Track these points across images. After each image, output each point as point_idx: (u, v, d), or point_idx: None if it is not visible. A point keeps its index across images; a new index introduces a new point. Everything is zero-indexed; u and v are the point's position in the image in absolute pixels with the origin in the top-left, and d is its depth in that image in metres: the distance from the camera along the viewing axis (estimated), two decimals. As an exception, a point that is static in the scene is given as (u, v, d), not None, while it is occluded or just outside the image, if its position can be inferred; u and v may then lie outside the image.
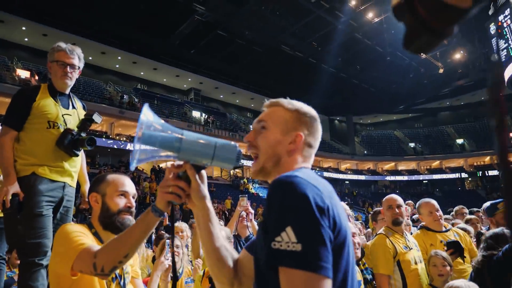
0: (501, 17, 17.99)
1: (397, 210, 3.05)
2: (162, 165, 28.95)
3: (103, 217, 1.67)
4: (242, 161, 1.18)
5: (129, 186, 1.73)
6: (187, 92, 35.10)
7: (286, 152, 1.13)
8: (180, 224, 4.11)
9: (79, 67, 2.71)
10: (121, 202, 1.68)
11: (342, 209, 1.02)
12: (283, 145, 1.13)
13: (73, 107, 2.73)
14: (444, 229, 3.29)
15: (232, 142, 1.14)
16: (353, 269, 1.00)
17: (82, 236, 1.51)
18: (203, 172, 1.18)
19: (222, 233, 1.24)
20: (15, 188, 2.38)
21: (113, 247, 1.29)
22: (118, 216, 1.65)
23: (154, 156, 1.10)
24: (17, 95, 2.59)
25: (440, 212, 3.32)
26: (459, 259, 2.99)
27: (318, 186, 0.96)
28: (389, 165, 42.54)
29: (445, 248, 2.97)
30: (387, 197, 3.20)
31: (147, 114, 1.06)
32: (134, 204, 1.73)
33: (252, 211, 3.52)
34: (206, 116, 32.67)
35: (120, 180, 1.73)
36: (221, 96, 36.90)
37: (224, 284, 1.21)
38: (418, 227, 3.50)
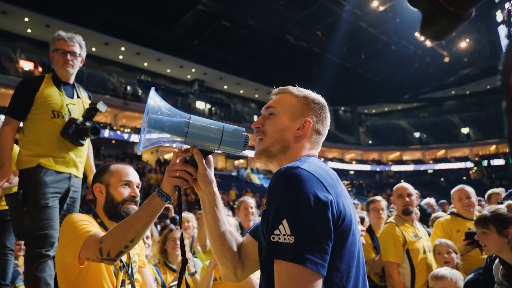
0: (507, 4, 17.66)
1: (407, 199, 3.04)
2: (167, 156, 29.06)
3: (108, 207, 1.68)
4: (245, 151, 1.17)
5: (133, 175, 1.74)
6: (191, 83, 34.98)
7: (294, 138, 1.14)
8: (186, 215, 4.13)
9: (80, 55, 2.68)
10: (125, 191, 1.68)
11: (347, 198, 1.02)
12: (291, 130, 1.14)
13: (78, 97, 2.71)
14: (475, 217, 3.27)
15: (240, 127, 1.14)
16: (359, 258, 1.00)
17: (88, 224, 1.52)
18: (210, 157, 1.18)
19: (230, 221, 1.24)
20: (4, 180, 2.41)
21: (119, 231, 1.29)
22: (122, 206, 1.66)
23: (161, 140, 1.10)
24: (20, 85, 2.58)
25: (472, 200, 3.24)
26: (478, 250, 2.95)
27: (322, 177, 0.96)
28: (394, 155, 42.37)
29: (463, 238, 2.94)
30: (397, 185, 3.18)
31: (154, 98, 1.06)
32: (138, 193, 1.73)
33: None
34: (210, 106, 32.62)
35: (123, 170, 1.73)
36: (225, 87, 36.75)
37: (228, 267, 1.23)
38: (448, 212, 3.48)
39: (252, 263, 1.24)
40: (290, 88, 1.21)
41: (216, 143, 1.10)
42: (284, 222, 0.87)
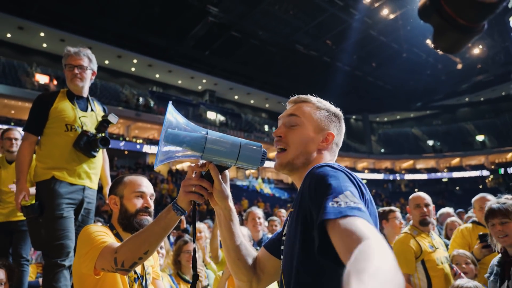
0: (522, 10, 17.45)
1: (425, 209, 2.95)
2: (179, 166, 29.20)
3: (122, 219, 1.69)
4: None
5: (146, 186, 1.74)
6: (202, 94, 35.29)
7: (317, 151, 1.15)
8: (198, 225, 4.14)
9: (90, 68, 2.72)
10: (138, 202, 1.69)
11: (374, 207, 1.02)
12: (315, 143, 1.15)
13: (92, 110, 2.76)
14: None
15: (257, 143, 1.14)
16: None
17: (104, 235, 1.53)
18: (226, 172, 1.18)
19: (242, 231, 1.24)
20: (24, 193, 2.48)
21: (134, 243, 1.29)
22: (135, 217, 1.67)
23: (178, 155, 1.09)
24: (36, 101, 2.67)
25: None
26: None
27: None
28: (407, 164, 41.84)
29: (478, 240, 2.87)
30: (414, 195, 3.09)
31: (172, 113, 1.05)
32: (151, 204, 1.73)
33: None
34: (222, 117, 32.80)
35: (137, 181, 1.73)
36: (236, 97, 36.95)
37: (243, 281, 1.24)
38: (470, 221, 3.39)
39: (268, 276, 1.24)
40: (311, 97, 1.21)
41: (233, 159, 1.10)
42: (344, 193, 0.85)
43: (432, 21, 0.59)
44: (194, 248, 1.23)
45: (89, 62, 2.71)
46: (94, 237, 1.50)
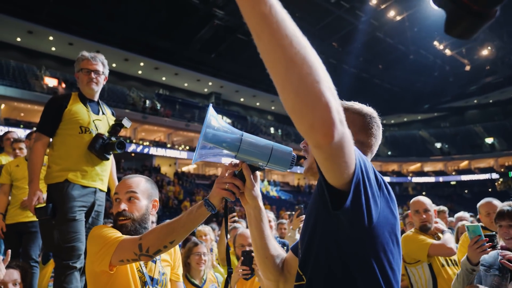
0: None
1: (424, 216, 2.89)
2: (185, 169, 29.27)
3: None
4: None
5: (120, 189, 1.65)
6: (208, 96, 35.42)
7: None
8: (203, 228, 4.09)
9: (103, 73, 2.79)
10: (115, 208, 1.64)
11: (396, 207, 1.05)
12: None
13: (103, 113, 2.82)
14: None
15: (287, 147, 1.21)
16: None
17: (116, 232, 1.55)
18: (258, 173, 1.26)
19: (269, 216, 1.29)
20: (38, 195, 2.52)
21: (162, 231, 1.34)
22: (116, 223, 1.62)
23: (215, 154, 1.18)
24: (49, 103, 2.69)
25: None
26: None
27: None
28: (414, 166, 41.57)
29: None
30: (413, 200, 3.01)
31: (212, 114, 1.14)
32: (123, 207, 1.60)
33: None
34: (228, 120, 32.84)
35: (118, 185, 1.69)
36: (242, 100, 37.05)
37: (271, 280, 1.30)
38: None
39: (294, 277, 1.26)
40: None
41: (264, 160, 1.18)
42: None
43: (445, 6, 0.58)
44: (227, 244, 1.28)
45: (103, 68, 2.78)
46: (106, 235, 1.51)
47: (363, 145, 1.18)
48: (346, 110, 1.18)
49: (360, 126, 1.17)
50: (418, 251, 2.80)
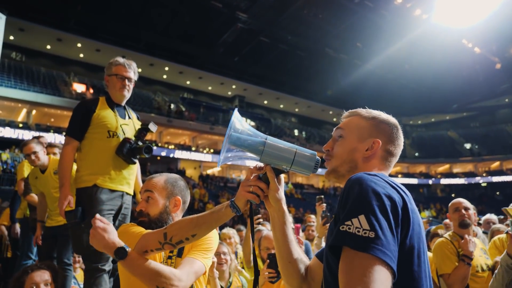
0: None
1: (464, 212, 2.84)
2: (209, 171, 29.53)
3: None
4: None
5: (142, 187, 1.74)
6: (231, 99, 35.62)
7: (363, 159, 1.17)
8: (228, 231, 4.09)
9: (134, 80, 2.84)
10: (136, 208, 1.73)
11: (419, 217, 1.01)
12: (360, 151, 1.17)
13: (129, 118, 2.85)
14: None
15: (312, 151, 1.22)
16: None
17: (141, 229, 1.61)
18: (282, 176, 1.26)
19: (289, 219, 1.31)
20: (69, 199, 2.55)
21: (187, 224, 1.37)
22: (137, 221, 1.71)
23: (240, 156, 1.20)
24: (78, 107, 2.73)
25: None
26: None
27: (397, 187, 0.99)
28: (443, 168, 40.27)
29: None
30: (453, 201, 3.00)
31: (237, 117, 1.17)
32: (139, 207, 1.70)
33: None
34: (252, 123, 32.91)
35: (142, 186, 1.77)
36: (265, 102, 37.02)
37: (293, 286, 1.27)
38: (506, 231, 3.21)
39: (318, 285, 1.25)
40: (360, 110, 1.25)
41: (288, 163, 1.19)
42: (361, 217, 0.87)
43: None
44: (253, 247, 1.29)
45: (134, 75, 2.84)
46: (131, 230, 1.59)
47: (391, 154, 1.20)
48: (375, 119, 1.21)
49: (388, 137, 1.20)
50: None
